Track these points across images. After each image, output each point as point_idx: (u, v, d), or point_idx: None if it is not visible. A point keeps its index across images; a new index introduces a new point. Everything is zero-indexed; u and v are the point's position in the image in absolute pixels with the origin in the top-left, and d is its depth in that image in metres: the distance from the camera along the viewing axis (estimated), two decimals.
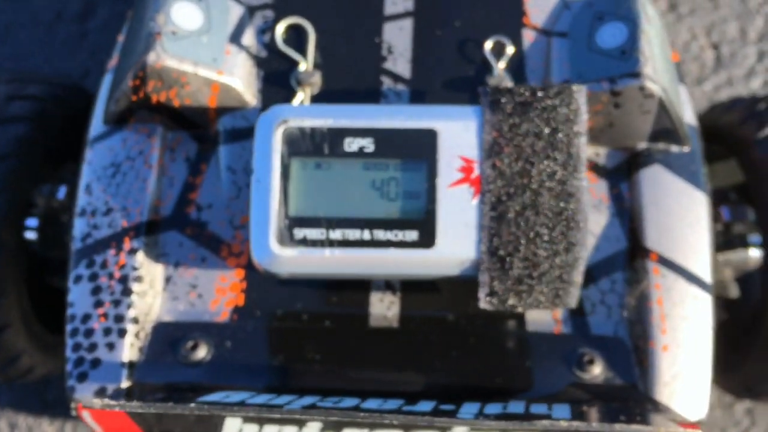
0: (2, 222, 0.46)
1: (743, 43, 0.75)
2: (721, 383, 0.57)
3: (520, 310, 0.36)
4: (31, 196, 0.51)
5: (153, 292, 0.39)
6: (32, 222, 0.51)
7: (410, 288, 0.40)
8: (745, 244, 0.54)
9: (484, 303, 0.36)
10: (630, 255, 0.41)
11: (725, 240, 0.54)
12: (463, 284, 0.39)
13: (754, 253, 0.52)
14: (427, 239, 0.36)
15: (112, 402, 0.32)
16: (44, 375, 0.54)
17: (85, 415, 0.39)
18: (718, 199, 0.56)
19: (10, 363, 0.49)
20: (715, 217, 0.54)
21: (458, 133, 0.36)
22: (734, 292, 0.57)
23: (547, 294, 0.36)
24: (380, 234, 0.36)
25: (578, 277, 0.36)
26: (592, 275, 0.41)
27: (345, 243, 0.36)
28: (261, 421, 0.39)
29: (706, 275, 0.40)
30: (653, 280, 0.40)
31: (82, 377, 0.38)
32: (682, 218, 0.41)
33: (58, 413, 0.60)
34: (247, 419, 0.39)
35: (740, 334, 0.52)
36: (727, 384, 0.56)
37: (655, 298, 0.39)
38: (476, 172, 0.36)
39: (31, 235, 0.51)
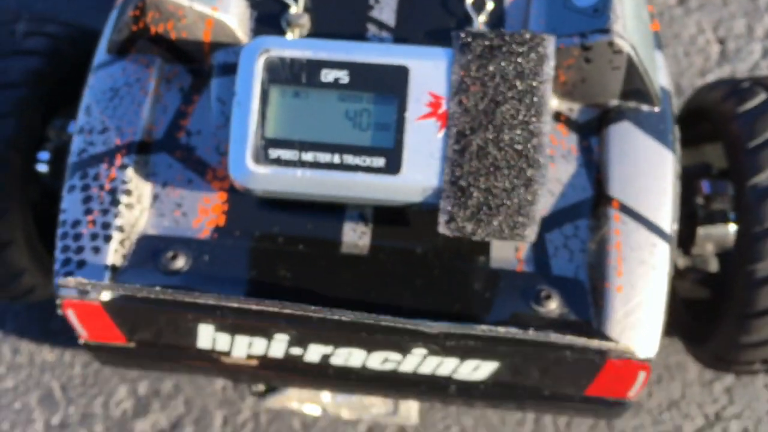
0: (10, 144, 0.50)
1: (749, 40, 0.76)
2: (696, 355, 0.58)
3: (477, 237, 0.38)
4: (44, 130, 0.54)
5: (140, 207, 0.42)
6: (44, 155, 0.55)
7: (382, 221, 0.43)
8: (725, 219, 0.55)
9: (443, 228, 0.38)
10: (594, 203, 0.43)
11: (706, 214, 0.55)
12: (433, 221, 0.41)
13: (734, 229, 0.53)
14: (393, 166, 0.38)
15: (84, 280, 0.35)
16: (45, 297, 0.57)
17: (70, 313, 0.42)
18: (699, 173, 0.57)
19: (12, 280, 0.53)
20: (696, 191, 0.56)
21: (429, 71, 0.39)
22: (714, 266, 0.58)
23: (504, 225, 0.38)
24: (349, 159, 0.39)
25: (536, 213, 0.38)
26: (556, 220, 0.43)
27: (316, 165, 0.38)
28: (233, 330, 0.42)
29: (666, 226, 0.42)
30: (613, 226, 0.41)
31: (68, 276, 0.41)
32: (647, 171, 0.43)
33: (59, 341, 0.63)
34: (219, 328, 0.42)
35: (717, 306, 0.54)
36: (702, 356, 0.57)
37: (613, 242, 0.41)
38: (443, 108, 0.39)
39: (42, 168, 0.55)
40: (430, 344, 0.40)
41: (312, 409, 0.51)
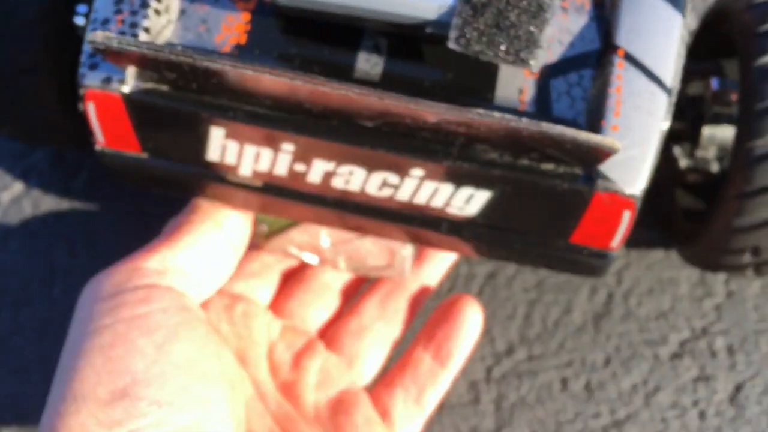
0: None
1: None
2: (688, 256, 0.59)
3: (484, 57, 0.40)
4: None
5: (167, 17, 0.45)
6: (83, 8, 0.58)
7: (396, 55, 0.45)
8: (731, 122, 0.57)
9: (452, 44, 0.40)
10: (601, 55, 0.44)
11: (713, 114, 0.57)
12: (444, 60, 0.43)
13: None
14: None
15: (111, 35, 0.37)
16: (64, 144, 0.59)
17: (90, 109, 0.44)
18: (711, 70, 0.59)
19: (34, 112, 0.55)
20: (705, 88, 0.57)
21: None
22: (715, 167, 0.60)
23: (511, 48, 0.40)
24: None
25: (542, 41, 0.40)
26: (562, 68, 0.44)
27: None
28: (242, 139, 0.44)
29: (667, 79, 0.44)
30: (615, 72, 0.43)
31: (93, 66, 0.43)
32: (655, 27, 0.44)
33: (80, 198, 0.66)
34: (229, 134, 0.43)
35: (713, 199, 0.55)
36: (694, 254, 0.58)
37: (614, 86, 0.43)
38: None
39: (80, 21, 0.57)
40: (427, 163, 0.42)
41: (310, 258, 0.53)
